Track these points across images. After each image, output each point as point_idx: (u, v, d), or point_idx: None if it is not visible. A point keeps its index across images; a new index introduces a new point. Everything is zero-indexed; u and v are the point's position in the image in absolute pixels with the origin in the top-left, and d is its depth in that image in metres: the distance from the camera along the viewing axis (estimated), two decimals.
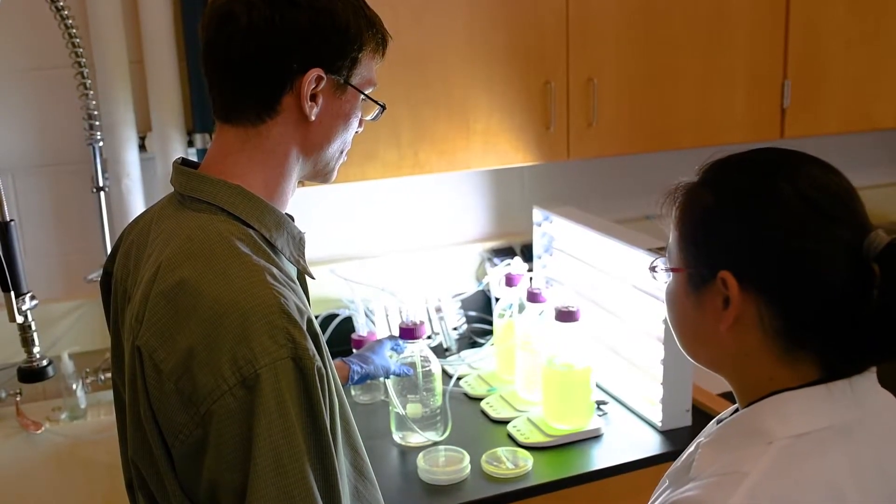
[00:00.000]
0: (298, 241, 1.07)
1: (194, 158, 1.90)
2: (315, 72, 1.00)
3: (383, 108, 1.13)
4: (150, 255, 1.01)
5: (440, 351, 2.12)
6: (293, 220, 1.14)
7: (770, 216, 0.82)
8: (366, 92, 1.08)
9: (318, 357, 0.92)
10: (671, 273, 0.92)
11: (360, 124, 1.11)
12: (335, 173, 1.13)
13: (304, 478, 0.88)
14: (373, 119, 1.15)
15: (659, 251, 1.65)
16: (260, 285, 0.91)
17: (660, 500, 0.90)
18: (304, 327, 0.92)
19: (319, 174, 1.12)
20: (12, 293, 1.43)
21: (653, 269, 0.94)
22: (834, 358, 0.84)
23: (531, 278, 1.89)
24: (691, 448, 0.93)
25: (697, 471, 0.86)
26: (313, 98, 1.02)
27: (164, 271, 0.95)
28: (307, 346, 0.90)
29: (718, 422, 0.94)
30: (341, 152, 1.11)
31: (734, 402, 1.86)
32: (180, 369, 0.89)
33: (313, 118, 1.03)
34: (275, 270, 0.95)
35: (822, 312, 0.82)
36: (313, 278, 1.11)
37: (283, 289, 0.93)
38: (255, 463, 0.86)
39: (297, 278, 1.08)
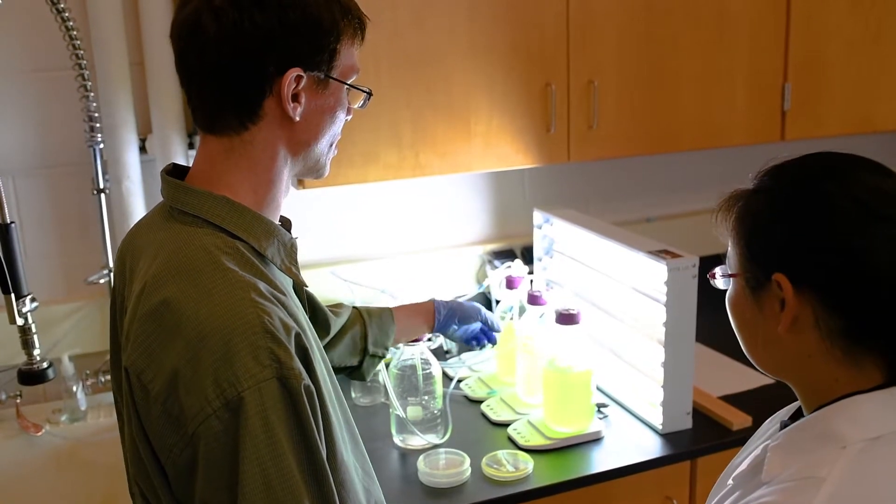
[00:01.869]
0: (290, 248, 1.05)
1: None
2: (293, 72, 0.97)
3: (370, 94, 1.10)
4: (140, 269, 1.00)
5: (440, 353, 2.11)
6: (290, 224, 1.13)
7: (821, 217, 0.84)
8: (350, 78, 1.05)
9: (305, 375, 0.90)
10: (730, 279, 0.94)
11: (348, 112, 1.08)
12: (328, 167, 1.10)
13: (295, 498, 0.87)
14: (361, 107, 1.11)
15: (659, 252, 1.65)
16: (244, 304, 0.89)
17: (727, 503, 0.90)
18: (292, 344, 0.90)
19: (311, 170, 1.09)
20: (13, 295, 1.43)
21: (712, 276, 0.96)
22: None
23: (532, 281, 1.88)
24: (757, 451, 0.93)
25: (769, 475, 0.87)
26: (295, 98, 0.99)
27: (149, 290, 0.93)
28: (293, 366, 0.88)
29: (783, 425, 0.94)
30: (331, 146, 1.08)
31: (735, 405, 1.86)
32: (167, 391, 0.89)
33: (297, 118, 1.00)
34: (261, 285, 0.93)
35: (879, 312, 0.83)
36: (305, 286, 1.09)
37: (268, 305, 0.91)
38: (244, 485, 0.85)
39: (295, 285, 1.07)
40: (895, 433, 0.83)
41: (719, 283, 0.96)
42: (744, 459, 0.97)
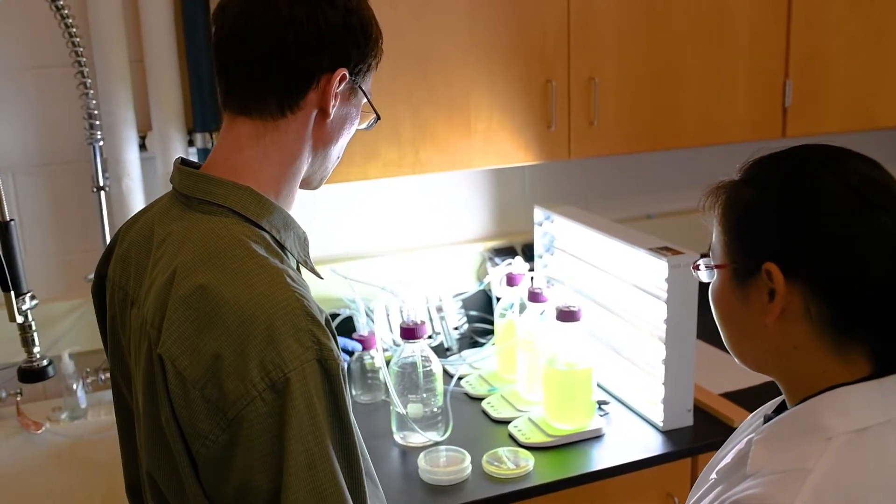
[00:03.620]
0: (303, 241, 1.08)
1: (194, 158, 1.91)
2: (342, 71, 1.02)
3: (378, 117, 1.14)
4: (158, 259, 1.00)
5: (441, 350, 2.12)
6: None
7: (813, 205, 0.83)
8: (368, 98, 1.09)
9: (341, 357, 0.92)
10: (715, 271, 0.92)
11: None
12: (324, 182, 1.14)
13: (335, 476, 0.89)
14: (366, 128, 1.15)
15: (660, 249, 1.65)
16: (281, 288, 0.91)
17: (710, 496, 0.89)
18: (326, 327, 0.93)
19: (314, 180, 1.12)
20: (12, 293, 1.43)
21: (696, 267, 0.95)
22: (885, 350, 0.84)
23: (532, 278, 1.88)
24: (741, 444, 0.92)
25: (754, 468, 0.86)
26: (334, 97, 1.03)
27: (182, 277, 0.93)
28: (331, 347, 0.90)
29: (767, 419, 0.93)
30: (337, 157, 1.12)
31: (736, 403, 1.85)
32: (206, 376, 0.89)
33: (332, 117, 1.04)
34: (291, 271, 0.95)
35: (868, 302, 0.82)
36: (321, 279, 1.11)
37: (303, 290, 0.93)
38: (289, 465, 0.86)
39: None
40: (881, 425, 0.82)
41: (703, 275, 0.95)
42: (727, 453, 0.96)
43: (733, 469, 0.91)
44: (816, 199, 0.83)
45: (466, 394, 1.92)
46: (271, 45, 0.99)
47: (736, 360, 0.95)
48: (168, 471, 0.97)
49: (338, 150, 1.10)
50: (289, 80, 1.00)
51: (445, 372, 1.92)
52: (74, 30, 1.67)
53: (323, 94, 1.02)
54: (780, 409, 0.95)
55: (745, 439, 0.92)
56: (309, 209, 2.09)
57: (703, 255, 0.96)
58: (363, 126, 1.13)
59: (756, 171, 0.90)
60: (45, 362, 1.51)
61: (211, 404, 0.89)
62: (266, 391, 0.87)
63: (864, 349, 0.84)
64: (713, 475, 0.95)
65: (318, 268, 1.12)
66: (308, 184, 1.12)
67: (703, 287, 1.60)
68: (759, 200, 0.87)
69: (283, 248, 1.03)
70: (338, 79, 1.01)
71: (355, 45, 1.02)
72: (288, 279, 0.92)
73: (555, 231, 2.09)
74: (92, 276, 1.83)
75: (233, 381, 0.87)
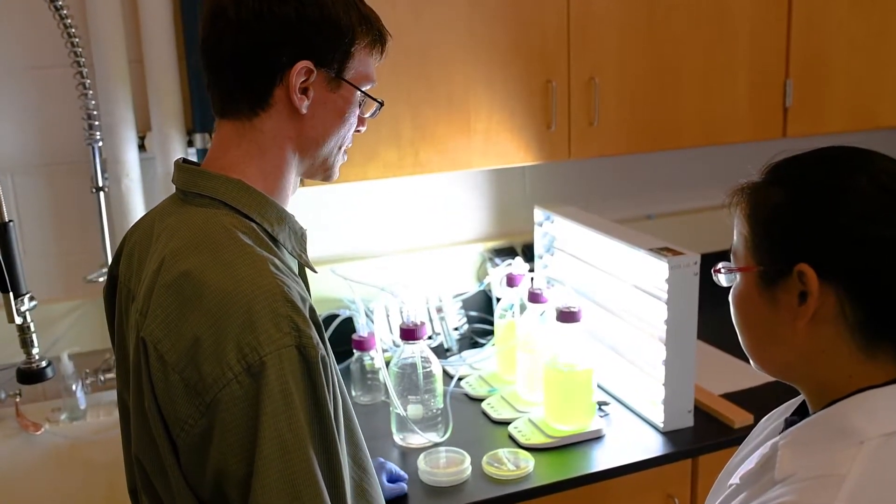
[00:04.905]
0: (300, 237, 1.08)
1: (194, 158, 1.90)
2: (304, 64, 1.01)
3: (381, 104, 1.13)
4: (153, 252, 1.01)
5: (441, 351, 2.11)
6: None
7: (847, 205, 0.82)
8: (364, 87, 1.08)
9: (321, 345, 0.92)
10: (738, 274, 0.91)
11: (362, 123, 1.11)
12: (336, 171, 1.13)
13: (308, 464, 0.88)
14: (371, 116, 1.14)
15: (661, 249, 1.65)
16: (263, 274, 0.92)
17: (735, 502, 0.88)
18: (308, 316, 0.93)
19: (319, 171, 1.12)
20: (11, 294, 1.43)
21: (717, 271, 0.93)
22: None
23: (532, 278, 1.88)
24: (765, 449, 0.90)
25: (783, 473, 0.85)
26: (304, 91, 1.02)
27: (169, 263, 0.95)
28: (311, 335, 0.91)
29: (788, 422, 0.92)
30: (340, 149, 1.11)
31: (737, 403, 1.84)
32: (185, 359, 0.90)
33: (304, 111, 1.03)
34: (277, 261, 0.96)
35: None
36: (315, 272, 1.11)
37: (286, 278, 0.94)
38: (261, 449, 0.87)
39: (299, 274, 1.08)
40: None
41: (723, 279, 0.93)
42: (745, 458, 0.95)
43: (758, 474, 0.89)
44: (850, 199, 0.82)
45: (466, 395, 1.91)
46: (227, 49, 1.00)
47: (755, 366, 0.93)
48: (153, 457, 0.98)
49: (332, 144, 1.09)
50: (251, 80, 1.01)
51: (445, 373, 1.91)
52: (73, 30, 1.67)
53: (289, 90, 1.02)
54: (800, 411, 0.94)
55: (769, 443, 0.90)
56: (309, 210, 2.09)
57: (722, 261, 0.94)
58: (368, 114, 1.13)
59: (783, 172, 0.89)
60: (44, 363, 1.51)
61: (190, 387, 0.89)
62: (242, 374, 0.87)
63: (893, 351, 0.84)
64: (735, 480, 0.93)
65: (317, 268, 1.12)
66: (311, 176, 1.13)
67: (704, 288, 1.60)
68: (788, 201, 0.85)
69: (275, 241, 1.03)
70: (299, 72, 1.01)
71: (317, 34, 1.01)
72: (272, 267, 0.93)
73: (555, 231, 2.09)
74: (91, 276, 1.86)
75: (210, 363, 0.88)
